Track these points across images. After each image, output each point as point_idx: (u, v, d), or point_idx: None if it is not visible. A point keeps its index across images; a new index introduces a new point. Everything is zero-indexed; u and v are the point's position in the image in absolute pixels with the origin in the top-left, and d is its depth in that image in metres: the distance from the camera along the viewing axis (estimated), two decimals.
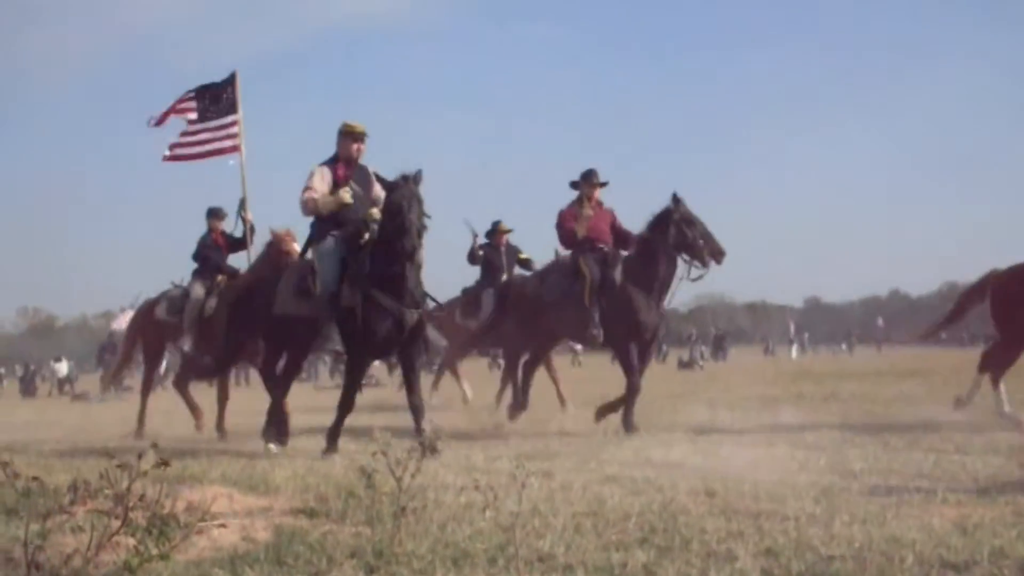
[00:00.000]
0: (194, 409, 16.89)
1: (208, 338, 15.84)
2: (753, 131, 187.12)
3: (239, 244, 17.02)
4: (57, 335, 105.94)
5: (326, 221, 12.62)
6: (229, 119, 18.06)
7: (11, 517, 7.47)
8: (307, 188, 12.49)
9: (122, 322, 52.87)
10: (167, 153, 18.56)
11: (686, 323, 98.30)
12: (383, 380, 38.87)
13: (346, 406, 12.56)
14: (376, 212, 12.48)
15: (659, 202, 14.19)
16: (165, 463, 5.14)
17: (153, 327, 17.20)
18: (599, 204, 15.26)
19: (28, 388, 42.81)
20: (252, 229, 16.85)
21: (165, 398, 29.59)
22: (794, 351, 65.19)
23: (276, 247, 14.68)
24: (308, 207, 12.54)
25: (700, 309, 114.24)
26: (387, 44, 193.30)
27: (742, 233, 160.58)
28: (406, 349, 12.49)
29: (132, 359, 19.82)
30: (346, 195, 12.44)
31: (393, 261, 11.76)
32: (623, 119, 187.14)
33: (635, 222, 14.74)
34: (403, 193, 11.65)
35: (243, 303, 13.77)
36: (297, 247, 13.88)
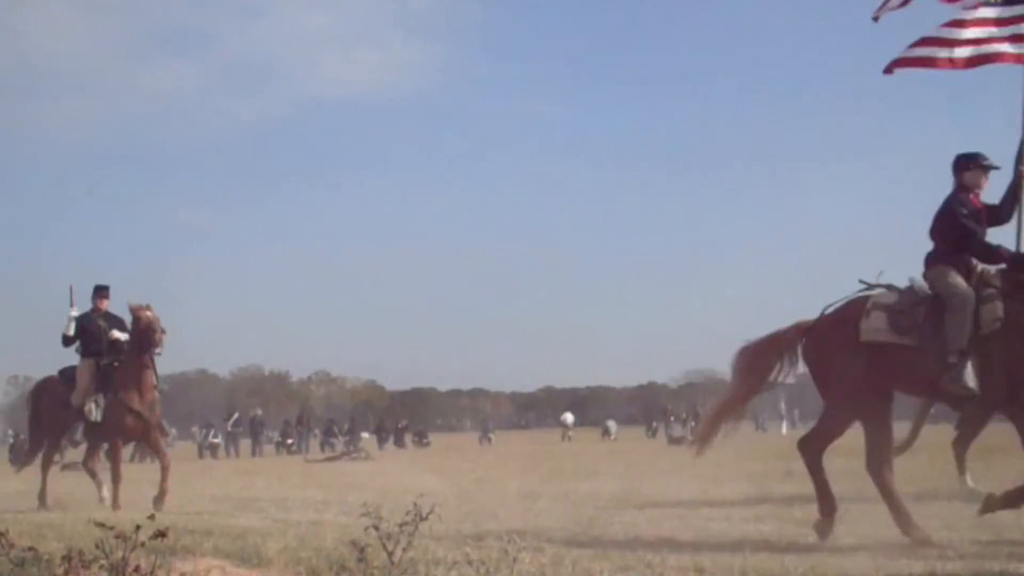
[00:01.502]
0: None
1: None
2: (740, 200, 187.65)
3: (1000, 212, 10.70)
4: None
5: None
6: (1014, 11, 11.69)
7: None
8: None
9: None
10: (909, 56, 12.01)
11: (676, 399, 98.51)
12: (372, 455, 38.81)
13: None
14: None
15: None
16: (162, 534, 5.21)
17: (863, 357, 10.43)
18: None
19: (19, 457, 42.48)
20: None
21: (150, 469, 29.56)
22: (784, 427, 65.00)
23: None
24: None
25: (691, 385, 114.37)
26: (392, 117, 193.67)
27: (731, 307, 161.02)
28: None
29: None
30: None
31: None
32: (623, 196, 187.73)
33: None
34: None
35: None
36: None
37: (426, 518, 6.77)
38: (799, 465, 22.64)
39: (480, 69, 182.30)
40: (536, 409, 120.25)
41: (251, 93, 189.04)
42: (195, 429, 60.12)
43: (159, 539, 5.29)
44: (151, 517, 5.32)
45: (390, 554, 6.75)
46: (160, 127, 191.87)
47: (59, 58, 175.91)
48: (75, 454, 46.81)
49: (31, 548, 6.25)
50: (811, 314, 11.06)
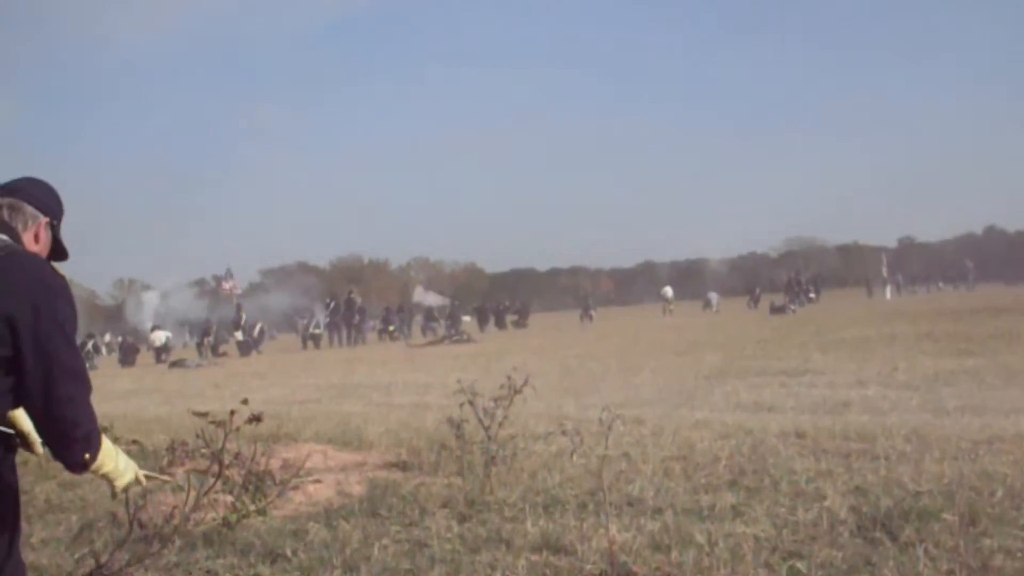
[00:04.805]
0: None
1: None
2: (841, 73, 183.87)
3: None
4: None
5: None
6: None
7: None
8: None
9: (231, 287, 53.88)
10: None
11: (777, 268, 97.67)
12: (473, 337, 39.03)
13: None
14: None
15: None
16: (257, 418, 5.24)
17: None
18: None
19: (127, 358, 43.38)
20: None
21: (255, 362, 30.06)
22: (888, 292, 64.33)
23: None
24: None
25: (791, 254, 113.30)
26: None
27: (833, 173, 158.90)
28: None
29: None
30: None
31: None
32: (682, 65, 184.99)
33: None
34: None
35: None
36: None
37: (520, 391, 6.75)
38: (903, 328, 22.56)
39: None
40: (636, 284, 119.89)
41: None
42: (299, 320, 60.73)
43: (253, 423, 5.32)
44: (244, 402, 5.34)
45: (486, 429, 6.77)
46: (245, 23, 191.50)
47: None
48: (183, 351, 47.81)
49: (135, 441, 6.35)
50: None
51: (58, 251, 3.62)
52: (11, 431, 3.29)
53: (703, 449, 7.84)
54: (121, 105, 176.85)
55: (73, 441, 3.27)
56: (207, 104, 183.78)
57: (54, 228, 3.56)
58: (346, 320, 47.01)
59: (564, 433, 6.15)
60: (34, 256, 3.37)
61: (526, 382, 6.76)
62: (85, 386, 3.29)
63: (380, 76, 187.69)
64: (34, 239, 3.47)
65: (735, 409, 10.69)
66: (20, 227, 3.44)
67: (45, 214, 3.51)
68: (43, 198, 3.56)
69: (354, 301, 47.70)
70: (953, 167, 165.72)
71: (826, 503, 5.78)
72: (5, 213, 3.44)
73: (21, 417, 3.31)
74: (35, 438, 3.35)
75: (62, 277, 3.38)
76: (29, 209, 3.47)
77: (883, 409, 9.90)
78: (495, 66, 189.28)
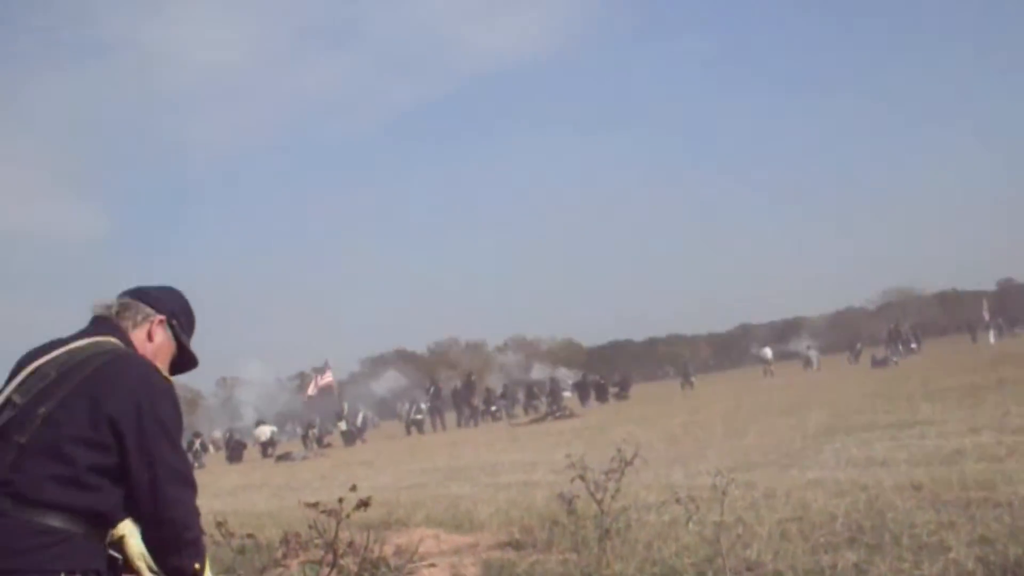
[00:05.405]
0: None
1: None
2: (923, 119, 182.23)
3: None
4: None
5: None
6: None
7: (229, 575, 7.70)
8: None
9: (323, 382, 54.59)
10: None
11: (875, 320, 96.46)
12: (576, 412, 38.90)
13: None
14: None
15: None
16: (365, 504, 5.25)
17: None
18: None
19: (234, 454, 43.78)
20: None
21: (360, 451, 30.15)
22: (992, 336, 63.23)
23: None
24: None
25: (888, 305, 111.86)
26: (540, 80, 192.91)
27: (926, 222, 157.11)
28: None
29: None
30: None
31: None
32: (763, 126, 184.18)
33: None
34: None
35: None
36: None
37: (631, 462, 6.71)
38: (1010, 372, 22.13)
39: (619, 15, 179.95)
40: (734, 348, 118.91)
41: (408, 78, 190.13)
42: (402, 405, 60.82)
43: (362, 508, 5.33)
44: (353, 488, 5.36)
45: (599, 503, 6.73)
46: (324, 121, 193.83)
47: (215, 69, 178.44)
48: (288, 444, 48.22)
49: (250, 535, 6.39)
50: None
51: (184, 357, 3.61)
52: (118, 556, 3.29)
53: (818, 508, 7.72)
54: (210, 205, 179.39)
55: (184, 545, 3.23)
56: (285, 198, 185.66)
57: (174, 329, 3.54)
58: (466, 401, 47.43)
59: (677, 501, 6.09)
60: (138, 357, 3.35)
61: (636, 453, 6.73)
62: (191, 489, 3.27)
63: (462, 158, 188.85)
64: (147, 337, 3.45)
65: (846, 466, 10.53)
66: (129, 325, 3.42)
67: (160, 312, 3.49)
68: (161, 297, 3.55)
69: (474, 383, 48.08)
70: None
71: (951, 555, 5.67)
72: (114, 312, 3.44)
73: (132, 545, 3.30)
74: (141, 565, 3.34)
75: (167, 379, 3.37)
76: (142, 307, 3.46)
77: (999, 455, 9.70)
78: (579, 135, 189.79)
